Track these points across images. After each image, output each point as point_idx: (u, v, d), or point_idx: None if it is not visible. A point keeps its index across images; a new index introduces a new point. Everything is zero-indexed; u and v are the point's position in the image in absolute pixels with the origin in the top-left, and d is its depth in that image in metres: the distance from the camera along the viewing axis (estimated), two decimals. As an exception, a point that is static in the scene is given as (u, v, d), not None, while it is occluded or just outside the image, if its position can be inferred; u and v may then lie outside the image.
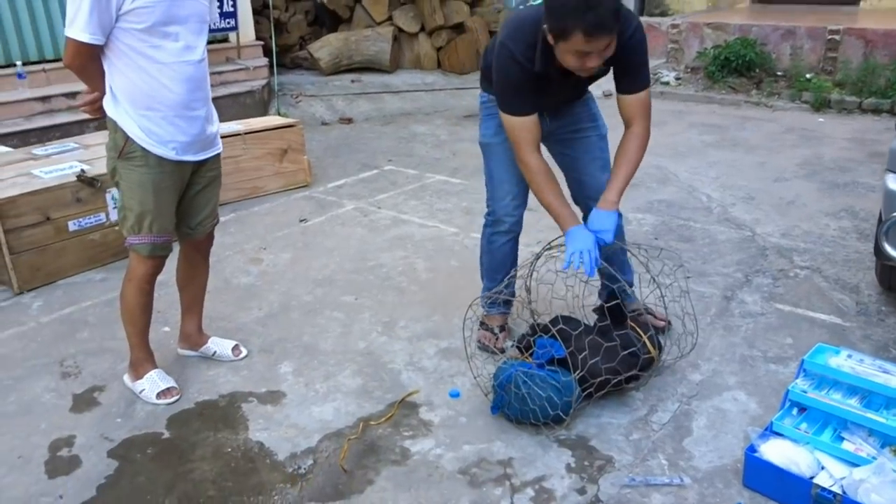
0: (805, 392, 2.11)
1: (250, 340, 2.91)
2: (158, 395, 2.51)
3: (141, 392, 2.54)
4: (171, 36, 2.19)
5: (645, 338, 2.50)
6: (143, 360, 2.57)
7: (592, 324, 2.58)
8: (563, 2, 2.02)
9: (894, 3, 8.09)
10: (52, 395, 2.59)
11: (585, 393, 2.33)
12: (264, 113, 6.45)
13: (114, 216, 3.64)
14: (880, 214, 2.75)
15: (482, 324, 2.87)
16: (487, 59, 2.51)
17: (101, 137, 4.32)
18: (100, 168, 3.64)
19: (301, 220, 4.23)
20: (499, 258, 2.77)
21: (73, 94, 5.63)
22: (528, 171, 2.39)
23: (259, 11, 7.50)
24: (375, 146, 5.91)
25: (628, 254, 2.78)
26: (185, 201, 2.49)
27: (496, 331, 2.84)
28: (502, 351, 2.76)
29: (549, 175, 2.39)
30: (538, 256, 2.56)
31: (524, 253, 2.90)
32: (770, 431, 2.09)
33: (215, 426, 2.40)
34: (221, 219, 4.23)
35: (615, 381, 2.34)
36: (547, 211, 2.45)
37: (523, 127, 2.33)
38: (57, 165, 3.65)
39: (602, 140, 2.62)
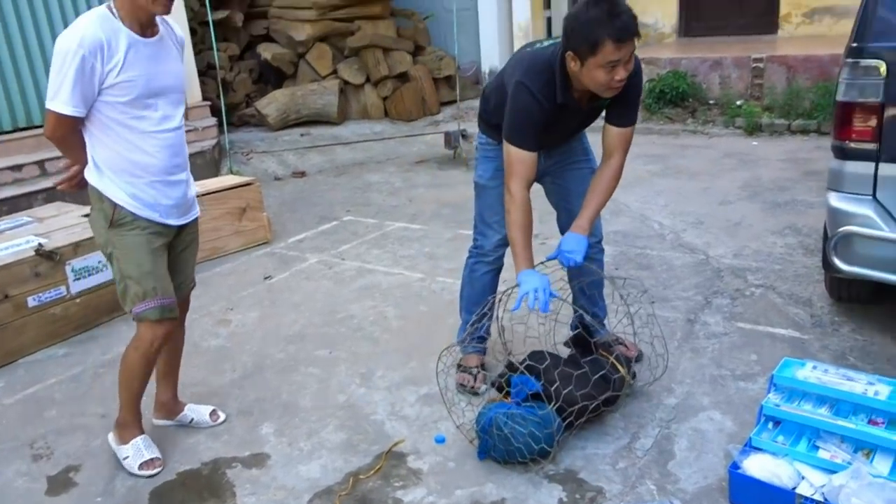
0: (778, 406, 2.20)
1: (227, 404, 2.87)
2: (141, 466, 2.45)
3: (124, 459, 2.48)
4: (151, 107, 2.23)
5: (612, 359, 2.58)
6: (130, 422, 2.52)
7: (564, 356, 2.65)
8: (588, 17, 2.16)
9: (809, 30, 8.62)
10: (25, 479, 2.50)
11: (566, 422, 2.38)
12: (216, 172, 6.44)
13: (74, 288, 3.58)
14: (825, 230, 2.91)
15: (459, 366, 2.91)
16: (488, 103, 2.64)
17: (54, 210, 4.26)
18: (57, 241, 3.58)
19: (265, 278, 4.22)
20: (478, 289, 2.84)
21: (18, 167, 5.54)
22: (512, 200, 2.46)
23: (203, 73, 7.54)
24: (332, 198, 5.95)
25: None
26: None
27: (473, 371, 2.87)
28: (478, 394, 2.78)
29: (528, 213, 2.47)
30: (498, 300, 2.63)
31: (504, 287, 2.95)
32: (750, 447, 2.17)
33: (200, 496, 2.35)
34: (183, 282, 4.23)
35: (592, 405, 2.40)
36: (509, 244, 2.52)
37: (524, 161, 2.42)
38: (12, 241, 3.57)
39: (592, 172, 2.71)
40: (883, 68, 2.41)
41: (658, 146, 6.84)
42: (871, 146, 2.48)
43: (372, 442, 2.56)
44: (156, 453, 2.50)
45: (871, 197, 2.54)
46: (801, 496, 1.96)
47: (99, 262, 3.67)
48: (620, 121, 2.48)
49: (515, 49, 9.15)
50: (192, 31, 7.22)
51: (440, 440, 2.54)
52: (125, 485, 2.43)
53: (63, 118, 2.14)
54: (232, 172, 6.34)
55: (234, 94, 8.22)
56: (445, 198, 5.53)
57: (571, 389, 2.38)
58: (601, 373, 2.46)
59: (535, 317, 2.88)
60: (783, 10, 8.74)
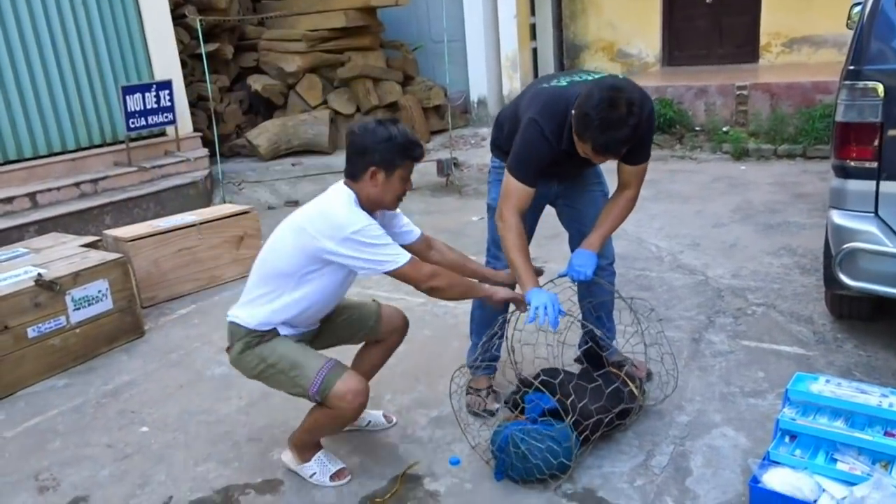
0: (794, 420, 2.22)
1: (236, 431, 2.84)
2: (332, 478, 2.45)
3: (311, 476, 2.47)
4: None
5: (623, 374, 2.60)
6: (311, 445, 2.50)
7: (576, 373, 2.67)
8: (588, 114, 2.20)
9: (789, 59, 8.85)
10: (32, 511, 2.45)
11: (582, 437, 2.38)
12: (209, 203, 6.43)
13: (74, 318, 3.53)
14: (826, 247, 2.96)
15: (469, 388, 2.90)
16: (501, 130, 2.68)
17: (50, 241, 4.23)
18: (56, 271, 3.55)
19: (266, 305, 4.18)
20: (489, 311, 2.83)
21: (9, 200, 5.49)
22: (505, 226, 2.49)
23: (193, 104, 7.56)
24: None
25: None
26: (330, 336, 2.59)
27: (483, 394, 2.87)
28: (492, 413, 2.78)
29: (522, 235, 2.51)
30: (507, 321, 2.64)
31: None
32: (768, 461, 2.18)
33: (215, 523, 2.31)
34: (183, 311, 4.21)
35: (608, 418, 2.40)
36: (510, 267, 2.54)
37: (520, 192, 2.46)
38: (10, 272, 3.53)
39: (605, 197, 2.77)
40: (881, 89, 2.49)
41: (649, 171, 6.88)
42: (872, 165, 2.55)
43: (386, 465, 2.54)
44: (341, 464, 2.50)
45: (873, 214, 2.60)
46: (823, 508, 1.97)
47: (99, 291, 3.64)
48: (635, 160, 2.52)
49: (504, 79, 9.35)
50: (183, 63, 7.26)
51: (455, 462, 2.52)
52: (136, 515, 2.38)
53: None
54: (225, 202, 6.33)
55: (224, 125, 8.24)
56: (441, 224, 5.56)
57: (587, 403, 2.39)
58: (614, 385, 2.48)
59: (542, 338, 2.89)
60: (763, 39, 8.97)
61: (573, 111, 2.27)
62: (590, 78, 2.45)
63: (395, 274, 2.27)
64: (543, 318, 2.37)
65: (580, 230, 2.77)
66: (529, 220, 2.73)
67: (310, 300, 2.34)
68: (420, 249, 2.56)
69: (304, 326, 2.44)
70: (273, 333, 2.35)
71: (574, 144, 2.35)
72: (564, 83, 2.44)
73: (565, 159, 2.45)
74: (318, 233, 2.22)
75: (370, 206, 2.32)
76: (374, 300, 2.70)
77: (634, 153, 2.46)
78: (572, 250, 2.81)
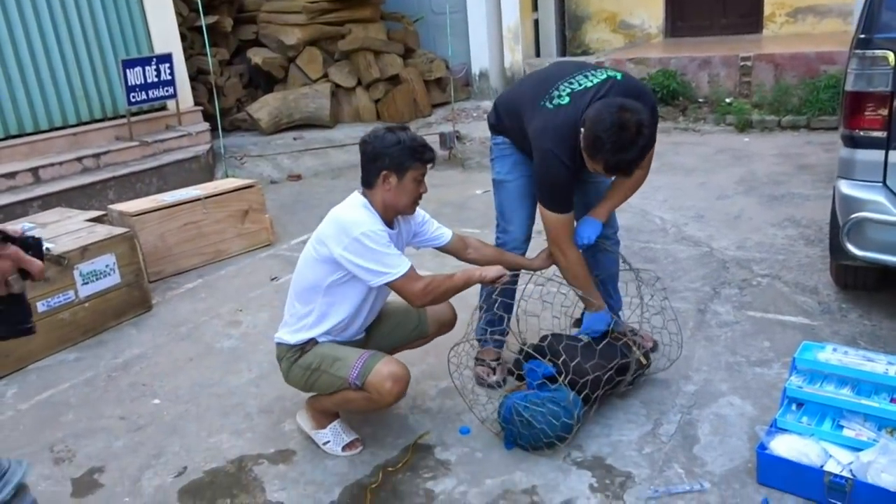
0: (801, 388, 2.25)
1: (247, 403, 2.87)
2: (344, 448, 2.49)
3: (325, 444, 2.51)
4: None
5: (626, 338, 2.65)
6: (330, 413, 2.54)
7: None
8: (600, 137, 2.24)
9: (793, 29, 8.77)
10: (49, 482, 2.48)
11: (583, 396, 2.42)
12: (211, 177, 6.41)
13: (83, 292, 3.55)
14: (833, 218, 2.97)
15: (477, 359, 2.93)
16: (500, 120, 2.72)
17: (56, 215, 4.23)
18: (64, 245, 3.56)
19: (272, 279, 4.21)
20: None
21: (11, 175, 5.48)
22: (568, 261, 2.59)
23: (194, 77, 7.50)
24: (330, 199, 5.85)
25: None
26: (379, 345, 2.58)
27: (492, 364, 2.90)
28: (500, 385, 2.81)
29: (584, 265, 2.64)
30: (497, 290, 2.62)
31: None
32: (775, 428, 2.21)
33: (230, 493, 2.35)
34: (189, 285, 4.23)
35: (606, 375, 2.44)
36: (581, 290, 2.63)
37: (566, 224, 2.55)
38: (18, 246, 3.54)
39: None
40: (891, 58, 2.48)
41: (651, 144, 6.90)
42: (881, 134, 2.55)
43: (397, 435, 2.57)
44: (354, 435, 2.53)
45: (881, 183, 2.60)
46: (829, 473, 2.00)
47: (106, 265, 3.65)
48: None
49: (505, 51, 9.25)
50: (182, 37, 7.18)
51: (465, 431, 2.56)
52: (152, 484, 2.42)
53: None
54: (227, 176, 6.31)
55: (224, 99, 8.19)
56: (445, 197, 5.55)
57: (579, 361, 2.43)
58: (605, 342, 2.55)
59: (549, 310, 2.92)
60: (767, 10, 8.89)
61: (583, 131, 2.31)
62: (589, 84, 2.45)
63: (392, 286, 2.30)
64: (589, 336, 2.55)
65: (584, 208, 2.77)
66: (533, 205, 2.78)
67: (344, 309, 2.37)
68: (457, 249, 2.62)
69: (347, 337, 2.46)
70: (313, 343, 2.39)
71: (584, 161, 2.40)
72: (566, 99, 2.43)
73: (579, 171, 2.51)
74: (328, 238, 2.28)
75: (386, 211, 2.35)
76: None
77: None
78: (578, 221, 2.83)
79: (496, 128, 2.78)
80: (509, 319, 2.90)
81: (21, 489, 1.33)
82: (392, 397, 2.28)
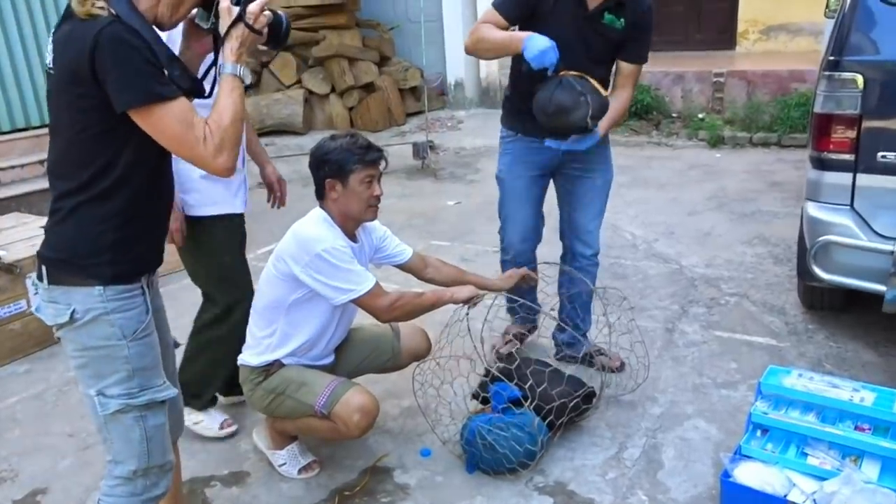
0: (766, 413, 2.22)
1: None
2: (300, 471, 2.40)
3: (281, 466, 2.41)
4: None
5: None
6: (289, 436, 2.44)
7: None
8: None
9: (765, 46, 8.87)
10: (-13, 504, 2.37)
11: (547, 422, 2.36)
12: (179, 182, 6.28)
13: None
14: (800, 239, 2.96)
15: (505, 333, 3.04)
16: (512, 88, 2.75)
17: (12, 220, 4.09)
18: (16, 253, 3.43)
19: (235, 290, 4.09)
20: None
21: (-32, 177, 5.31)
22: (476, 29, 2.53)
23: (164, 81, 7.37)
24: (300, 208, 5.74)
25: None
26: (349, 371, 2.52)
27: (507, 337, 3.00)
28: (506, 356, 2.86)
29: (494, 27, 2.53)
30: (466, 313, 2.55)
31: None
32: (739, 455, 2.17)
33: (178, 517, 2.25)
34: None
35: (572, 402, 2.39)
36: (492, 43, 2.52)
37: (490, 16, 2.51)
38: (-33, 254, 3.41)
39: (605, 185, 2.81)
40: (860, 80, 2.47)
41: (625, 157, 6.90)
42: (849, 157, 2.54)
43: (356, 457, 2.50)
44: (311, 457, 2.44)
45: (849, 207, 2.59)
46: (793, 503, 1.96)
47: (61, 274, 3.52)
48: (631, 58, 2.62)
49: (481, 61, 9.22)
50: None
51: (426, 454, 2.49)
52: (97, 508, 2.31)
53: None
54: (196, 182, 6.19)
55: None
56: (416, 208, 5.49)
57: (546, 387, 2.37)
58: (571, 374, 2.50)
59: (514, 328, 2.88)
60: (741, 27, 8.97)
61: None
62: None
63: (357, 302, 2.23)
64: (552, 58, 2.35)
65: (569, 213, 2.83)
66: (535, 193, 2.81)
67: (308, 329, 2.29)
68: (416, 268, 2.55)
69: (314, 359, 2.38)
70: (278, 365, 2.30)
71: None
72: None
73: (555, 16, 2.46)
74: (289, 256, 2.20)
75: (346, 222, 2.27)
76: (390, 325, 2.60)
77: (633, 49, 2.59)
78: (561, 232, 2.88)
79: (504, 105, 2.84)
80: (535, 299, 2.95)
81: None
82: (359, 430, 2.20)
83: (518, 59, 2.57)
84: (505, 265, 2.89)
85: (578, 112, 2.36)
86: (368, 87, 8.37)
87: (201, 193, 2.42)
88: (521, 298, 2.73)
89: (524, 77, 2.51)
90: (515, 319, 3.04)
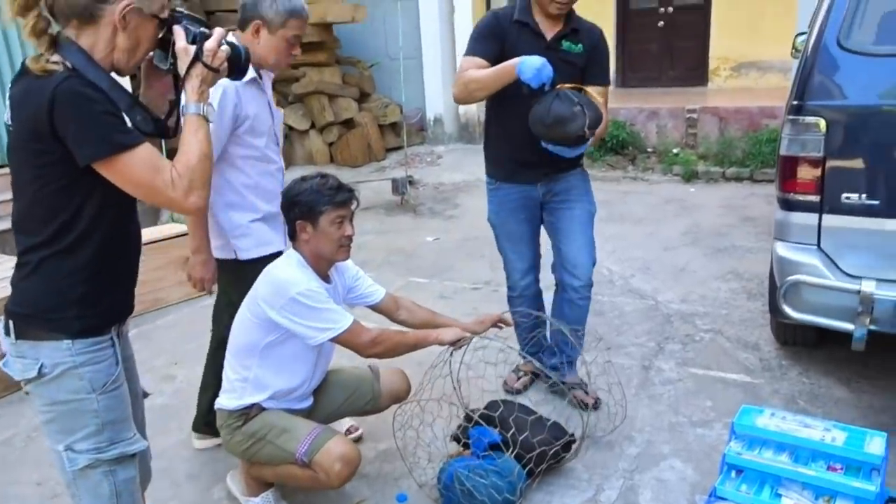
0: (740, 454, 2.23)
1: (175, 467, 2.73)
2: None
3: None
4: None
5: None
6: (265, 482, 2.40)
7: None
8: None
9: (736, 83, 9.09)
10: (-50, 558, 2.30)
11: (527, 469, 2.35)
12: (156, 221, 6.25)
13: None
14: (771, 277, 3.01)
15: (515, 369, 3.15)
16: (487, 133, 2.88)
17: (-17, 260, 4.03)
18: (-14, 294, 3.38)
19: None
20: (515, 319, 2.96)
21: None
22: (463, 74, 2.62)
23: (143, 117, 7.36)
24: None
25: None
26: (327, 415, 2.52)
27: (521, 375, 3.07)
28: (519, 392, 3.03)
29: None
30: (450, 353, 2.57)
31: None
32: (715, 497, 2.17)
33: (148, 569, 2.20)
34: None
35: (551, 451, 2.38)
36: (488, 81, 2.57)
37: (468, 63, 2.62)
38: (-64, 296, 3.35)
39: (590, 217, 2.87)
40: (822, 124, 2.54)
41: (601, 192, 6.92)
42: (815, 198, 2.60)
43: (331, 502, 2.46)
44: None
45: (816, 246, 2.64)
46: (768, 546, 1.97)
47: (33, 316, 3.47)
48: (596, 80, 2.74)
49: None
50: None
51: (402, 499, 2.46)
52: (64, 561, 2.25)
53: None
54: (173, 220, 6.15)
55: (174, 140, 8.05)
56: (394, 245, 5.50)
57: (528, 436, 2.37)
58: (553, 421, 2.49)
59: (491, 369, 2.88)
60: (712, 64, 9.21)
61: None
62: None
63: (338, 340, 2.22)
64: (549, 72, 2.43)
65: (558, 247, 2.88)
66: (526, 232, 2.90)
67: (284, 372, 2.28)
68: (389, 310, 2.55)
69: (292, 403, 2.35)
70: (258, 409, 2.27)
71: (528, 13, 2.63)
72: None
73: (520, 40, 2.62)
74: (264, 301, 2.19)
75: (318, 263, 2.27)
76: (370, 367, 2.60)
77: (596, 72, 2.74)
78: (552, 265, 2.94)
79: (487, 157, 2.92)
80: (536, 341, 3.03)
81: None
82: (340, 481, 2.16)
83: (500, 96, 2.63)
84: (512, 301, 3.03)
85: (576, 123, 2.46)
86: (348, 123, 8.43)
87: (254, 237, 2.47)
88: (528, 334, 2.87)
89: (523, 99, 2.54)
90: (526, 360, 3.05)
